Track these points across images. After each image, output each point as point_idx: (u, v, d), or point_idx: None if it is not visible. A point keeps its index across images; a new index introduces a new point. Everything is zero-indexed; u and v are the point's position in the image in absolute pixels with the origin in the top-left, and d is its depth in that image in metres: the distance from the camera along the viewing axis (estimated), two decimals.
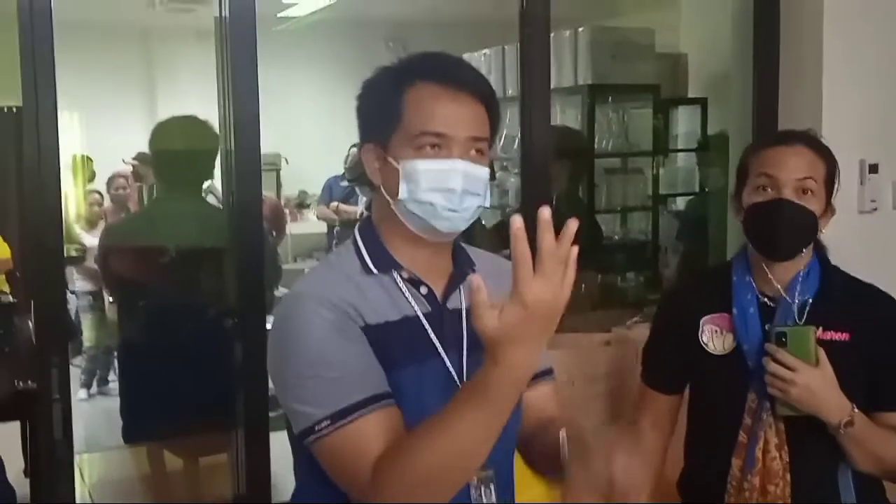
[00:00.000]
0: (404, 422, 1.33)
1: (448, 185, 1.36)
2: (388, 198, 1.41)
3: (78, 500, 2.42)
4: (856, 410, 1.74)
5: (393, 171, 1.39)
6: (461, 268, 1.48)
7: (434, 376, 1.39)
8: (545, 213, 1.12)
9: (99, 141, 6.45)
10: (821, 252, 1.90)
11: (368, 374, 1.33)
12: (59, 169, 2.19)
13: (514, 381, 1.19)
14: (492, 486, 1.43)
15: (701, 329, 1.92)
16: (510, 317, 1.14)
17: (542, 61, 2.69)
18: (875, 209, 2.97)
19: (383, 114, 1.41)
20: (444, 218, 1.38)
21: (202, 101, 2.86)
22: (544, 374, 1.61)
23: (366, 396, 1.31)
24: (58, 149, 2.16)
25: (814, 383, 1.73)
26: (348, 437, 1.30)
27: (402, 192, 1.38)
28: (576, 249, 1.15)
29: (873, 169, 2.94)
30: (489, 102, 1.43)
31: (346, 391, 1.31)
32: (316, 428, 1.31)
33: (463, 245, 1.53)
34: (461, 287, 1.46)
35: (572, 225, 1.15)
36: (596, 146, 4.53)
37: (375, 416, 1.30)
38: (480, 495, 1.41)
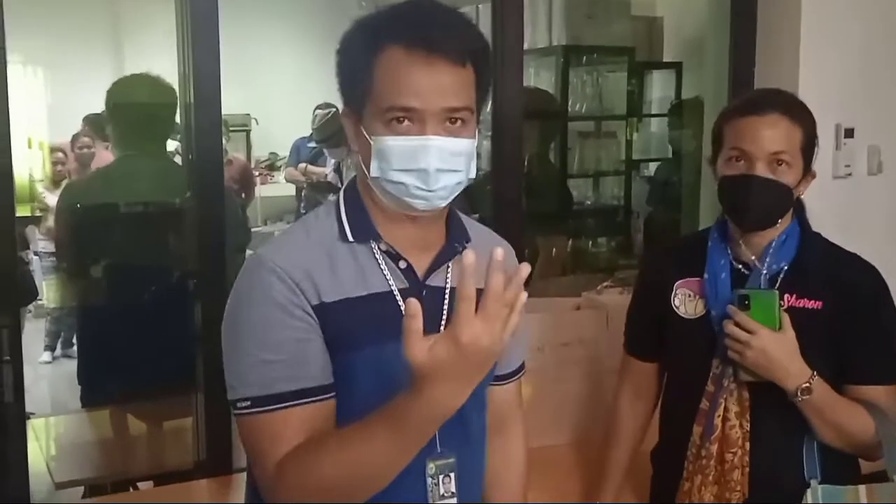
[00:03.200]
0: (358, 402, 1.27)
1: (419, 165, 1.26)
2: (364, 171, 1.32)
3: (35, 464, 2.36)
4: (815, 379, 1.69)
5: (366, 145, 1.30)
6: (452, 244, 1.39)
7: (401, 356, 1.32)
8: (498, 253, 1.07)
9: (64, 98, 6.32)
10: (802, 218, 1.84)
11: (304, 363, 1.28)
12: (8, 125, 2.10)
13: (432, 417, 1.14)
14: (452, 476, 1.36)
15: (674, 293, 1.89)
16: (440, 352, 1.09)
17: (517, 21, 2.62)
18: (850, 174, 2.95)
19: (356, 82, 1.31)
20: (417, 197, 1.29)
21: (169, 59, 2.78)
22: (517, 372, 1.58)
23: (293, 389, 1.26)
24: (7, 105, 2.07)
25: (771, 348, 1.68)
26: (264, 425, 1.26)
27: (374, 170, 1.29)
28: (524, 296, 1.10)
29: (849, 133, 2.91)
30: (475, 60, 1.30)
31: (275, 377, 1.26)
32: (238, 404, 1.28)
33: (461, 217, 1.44)
34: (449, 264, 1.39)
35: (524, 270, 1.10)
36: (570, 109, 4.48)
37: (298, 411, 1.26)
38: (437, 485, 1.35)
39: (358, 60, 1.30)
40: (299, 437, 1.25)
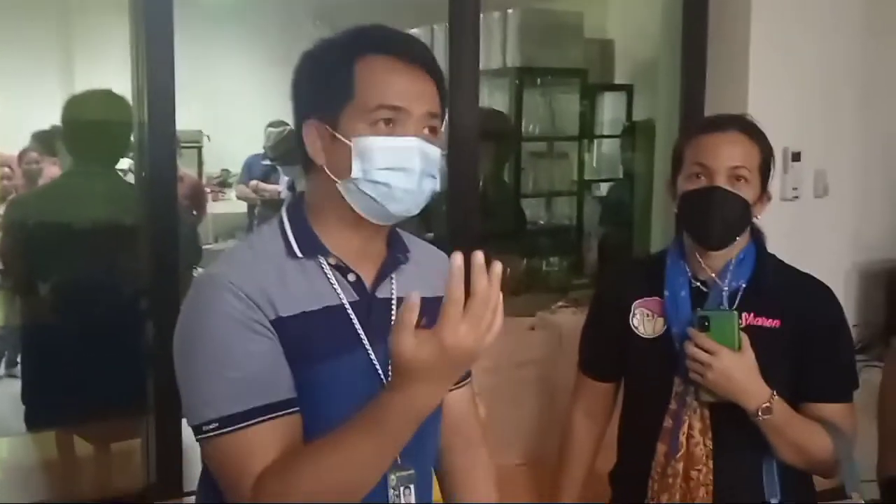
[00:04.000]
0: (321, 416, 1.26)
1: (406, 165, 1.28)
2: (332, 177, 1.31)
3: None
4: (775, 398, 1.72)
5: (342, 149, 1.29)
6: (395, 255, 1.41)
7: (357, 368, 1.32)
8: (479, 257, 1.08)
9: (11, 113, 6.21)
10: (757, 239, 1.88)
11: (269, 378, 1.26)
12: None
13: (412, 416, 1.15)
14: (412, 487, 1.36)
15: (632, 312, 1.91)
16: (425, 352, 1.10)
17: (472, 43, 2.64)
18: (797, 197, 3.02)
19: (331, 86, 1.30)
20: (399, 200, 1.29)
21: (121, 76, 2.75)
22: (468, 376, 1.58)
23: (261, 404, 1.24)
24: None
25: (731, 369, 1.71)
26: (235, 445, 1.23)
27: (356, 171, 1.28)
28: (500, 296, 1.12)
29: (796, 157, 2.98)
30: (438, 80, 1.35)
31: (241, 394, 1.23)
32: (203, 428, 1.24)
33: (399, 231, 1.45)
34: (393, 276, 1.39)
35: (498, 267, 1.11)
36: (523, 130, 4.52)
37: (268, 427, 1.24)
38: (399, 496, 1.35)
39: (334, 68, 1.31)
40: (272, 454, 1.22)
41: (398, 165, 1.28)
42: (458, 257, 1.08)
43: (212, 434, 1.23)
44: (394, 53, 1.30)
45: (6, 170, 5.91)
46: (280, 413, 1.25)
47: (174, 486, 2.29)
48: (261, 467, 1.21)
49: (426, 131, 1.31)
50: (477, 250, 1.09)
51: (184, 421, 2.25)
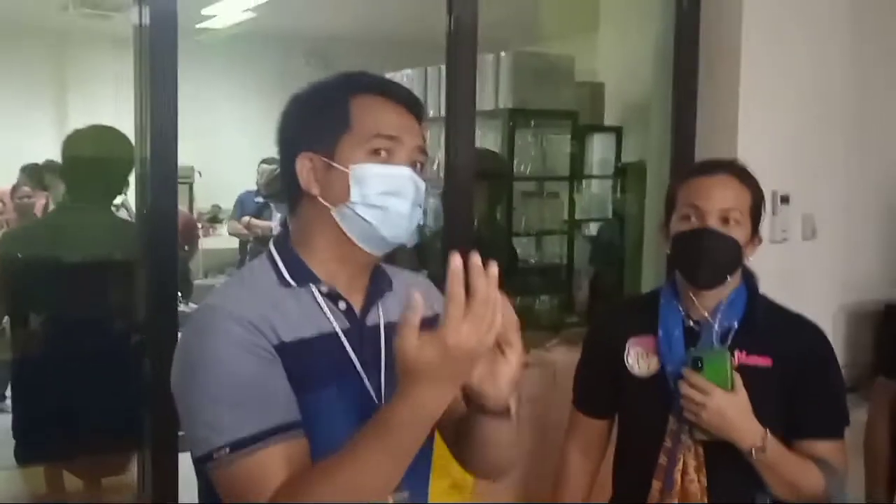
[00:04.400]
0: (320, 443, 1.27)
1: (401, 191, 1.35)
2: (327, 205, 1.35)
3: None
4: (769, 436, 1.75)
5: (339, 177, 1.34)
6: (379, 286, 1.44)
7: (352, 396, 1.34)
8: (477, 258, 1.12)
9: (4, 147, 6.22)
10: (749, 279, 1.92)
11: (276, 401, 1.27)
12: None
13: (421, 420, 1.17)
14: None
15: (627, 351, 1.94)
16: (429, 352, 1.12)
17: (469, 84, 2.69)
18: (785, 239, 3.07)
19: (327, 120, 1.37)
20: (394, 224, 1.35)
21: (115, 110, 2.78)
22: None
23: (270, 426, 1.24)
24: None
25: (725, 408, 1.74)
26: (247, 468, 1.23)
27: (354, 195, 1.34)
28: (499, 296, 1.14)
29: (784, 200, 3.03)
30: (422, 122, 1.43)
31: (249, 418, 1.24)
32: (214, 455, 1.24)
33: (383, 266, 1.49)
34: (379, 303, 1.42)
35: (494, 268, 1.14)
36: (515, 170, 4.56)
37: (279, 449, 1.24)
38: None
39: (331, 102, 1.38)
40: (284, 476, 1.22)
41: (393, 191, 1.34)
42: (456, 258, 1.12)
43: (223, 461, 1.24)
44: (384, 93, 1.39)
45: None
46: (288, 435, 1.26)
47: None
48: (275, 488, 1.22)
49: (415, 164, 1.38)
50: (475, 254, 1.12)
51: (180, 455, 2.28)
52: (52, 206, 4.65)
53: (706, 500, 1.80)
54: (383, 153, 1.35)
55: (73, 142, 3.02)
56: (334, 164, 1.35)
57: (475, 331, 1.12)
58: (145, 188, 2.33)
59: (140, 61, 2.30)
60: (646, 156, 3.59)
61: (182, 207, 6.64)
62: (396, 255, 1.52)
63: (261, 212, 6.16)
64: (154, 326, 2.33)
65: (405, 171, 1.35)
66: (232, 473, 1.24)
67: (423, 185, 1.38)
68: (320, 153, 1.36)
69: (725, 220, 1.82)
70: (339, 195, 1.35)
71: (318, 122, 1.38)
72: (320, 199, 1.36)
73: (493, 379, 1.27)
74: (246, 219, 6.28)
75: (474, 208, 3.18)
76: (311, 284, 1.37)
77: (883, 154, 3.40)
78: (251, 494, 1.23)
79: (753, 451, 1.74)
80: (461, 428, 1.40)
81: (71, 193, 3.08)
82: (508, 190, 4.48)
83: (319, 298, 1.37)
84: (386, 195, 1.34)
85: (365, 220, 1.34)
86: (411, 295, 1.13)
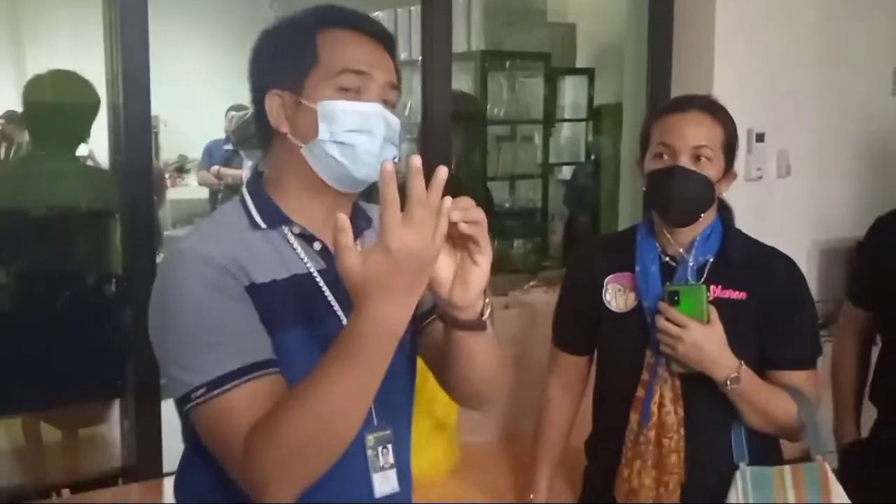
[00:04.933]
0: (296, 381, 1.24)
1: (370, 128, 1.32)
2: (297, 143, 1.33)
3: None
4: (743, 368, 1.78)
5: (308, 113, 1.32)
6: (359, 223, 1.42)
7: (330, 334, 1.28)
8: (416, 160, 1.09)
9: None
10: (725, 214, 1.94)
11: (249, 339, 1.26)
12: None
13: (382, 335, 1.13)
14: (389, 447, 1.38)
15: (605, 288, 1.96)
16: (374, 263, 1.09)
17: (444, 26, 2.67)
18: (760, 177, 3.09)
19: (296, 55, 1.33)
20: (364, 163, 1.32)
21: (76, 56, 2.71)
22: (433, 310, 1.54)
23: (245, 364, 1.23)
24: None
25: (701, 341, 1.76)
26: (225, 406, 1.22)
27: (322, 133, 1.31)
28: (448, 200, 1.11)
29: (760, 138, 3.05)
30: (394, 56, 1.40)
31: (224, 357, 1.23)
32: (192, 396, 1.24)
33: (362, 203, 1.47)
34: (358, 242, 1.37)
35: (442, 172, 1.10)
36: (488, 113, 4.54)
37: (255, 385, 1.23)
38: (377, 456, 1.37)
39: (298, 38, 1.34)
40: (261, 412, 1.21)
41: (363, 128, 1.31)
42: (388, 165, 1.09)
43: (201, 401, 1.23)
44: (355, 27, 1.36)
45: None
46: (265, 372, 1.25)
47: (155, 466, 2.29)
48: (250, 425, 1.21)
49: (386, 101, 1.35)
50: (415, 156, 1.09)
51: (163, 403, 2.28)
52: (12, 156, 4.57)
53: (683, 432, 1.84)
54: (352, 90, 1.32)
55: (34, 87, 2.94)
56: (302, 101, 1.32)
57: (417, 234, 1.08)
58: (119, 136, 2.28)
59: (110, 7, 2.25)
60: (620, 97, 3.58)
61: None
62: (374, 195, 1.51)
63: (230, 160, 6.09)
64: (133, 275, 2.31)
65: (375, 108, 1.32)
66: (210, 413, 1.24)
67: (395, 121, 1.35)
68: (289, 90, 1.34)
69: (697, 158, 1.83)
70: (308, 133, 1.32)
71: (285, 58, 1.35)
72: (290, 136, 1.34)
73: (463, 287, 1.24)
74: (216, 168, 6.22)
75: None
76: (283, 226, 1.36)
77: (858, 92, 3.42)
78: (230, 431, 1.22)
79: (728, 383, 1.77)
80: (444, 354, 1.38)
81: (35, 141, 3.02)
82: (483, 133, 4.47)
83: (292, 239, 1.36)
84: (355, 132, 1.31)
85: (334, 157, 1.32)
86: (338, 218, 1.09)
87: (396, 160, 1.36)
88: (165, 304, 1.29)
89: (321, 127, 1.31)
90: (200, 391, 1.23)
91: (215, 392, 1.23)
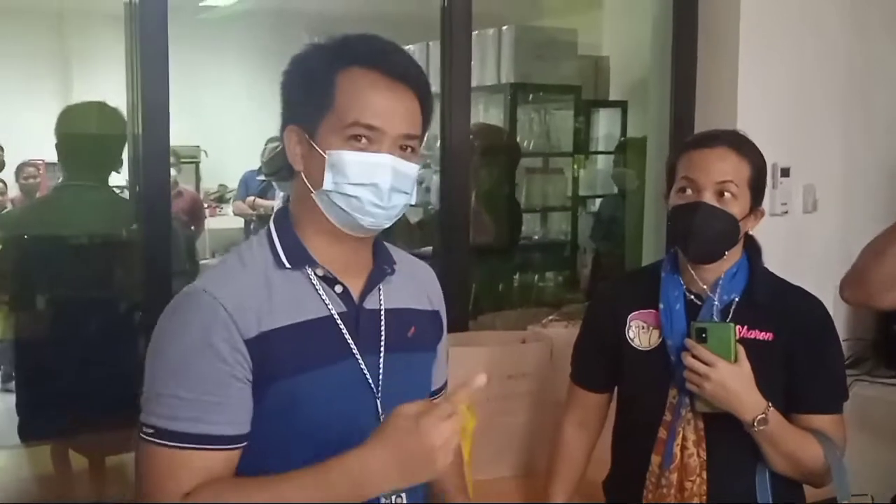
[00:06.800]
0: (313, 424, 1.29)
1: (375, 180, 1.31)
2: (309, 187, 1.34)
3: None
4: (770, 409, 1.74)
5: (318, 159, 1.32)
6: (381, 266, 1.43)
7: (347, 378, 1.34)
8: (480, 380, 1.21)
9: (9, 128, 6.23)
10: (752, 252, 1.90)
11: (218, 410, 1.26)
12: None
13: (353, 484, 1.18)
14: (403, 495, 1.39)
15: (628, 325, 1.93)
16: (407, 410, 1.18)
17: (464, 59, 2.67)
18: (786, 212, 3.04)
19: (313, 96, 1.33)
20: (369, 213, 1.32)
21: (117, 88, 2.76)
22: (444, 387, 1.61)
23: (198, 433, 1.25)
24: None
25: (729, 380, 1.73)
26: (163, 458, 1.24)
27: (327, 183, 1.31)
28: (463, 408, 1.19)
29: (785, 173, 3.01)
30: (424, 96, 1.37)
31: (183, 416, 1.24)
32: (144, 428, 1.26)
33: (384, 243, 1.48)
34: (380, 286, 1.41)
35: (479, 380, 1.20)
36: (518, 145, 4.54)
37: (199, 455, 1.24)
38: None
39: (318, 76, 1.33)
40: (194, 482, 1.23)
41: (368, 181, 1.31)
42: (481, 378, 1.20)
43: (146, 438, 1.25)
44: (378, 67, 1.32)
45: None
46: (216, 447, 1.26)
47: None
48: (180, 491, 1.22)
49: (399, 150, 1.33)
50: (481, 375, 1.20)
51: None
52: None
53: (705, 475, 1.80)
54: (361, 141, 1.31)
55: (65, 119, 3.01)
56: (314, 146, 1.32)
57: (440, 435, 1.15)
58: (138, 165, 2.32)
59: (131, 37, 2.29)
60: (646, 131, 3.56)
61: (189, 187, 6.67)
62: (399, 232, 1.52)
63: (265, 191, 6.17)
64: (148, 304, 2.33)
65: (384, 159, 1.31)
66: (149, 454, 1.26)
67: (408, 168, 1.34)
68: (305, 129, 1.34)
69: (721, 194, 1.80)
70: (317, 179, 1.33)
71: (304, 95, 1.35)
72: (303, 177, 1.35)
73: None
74: (250, 198, 6.30)
75: (479, 184, 3.17)
76: (306, 267, 1.36)
77: (883, 126, 3.36)
78: (156, 484, 1.24)
79: (756, 424, 1.73)
80: None
81: (67, 171, 3.08)
82: (512, 166, 4.47)
83: (315, 281, 1.36)
84: (359, 186, 1.30)
85: (340, 207, 1.32)
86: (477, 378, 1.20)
87: (409, 205, 1.38)
88: (162, 335, 1.31)
89: (327, 177, 1.31)
90: (150, 430, 1.25)
91: (161, 441, 1.24)
